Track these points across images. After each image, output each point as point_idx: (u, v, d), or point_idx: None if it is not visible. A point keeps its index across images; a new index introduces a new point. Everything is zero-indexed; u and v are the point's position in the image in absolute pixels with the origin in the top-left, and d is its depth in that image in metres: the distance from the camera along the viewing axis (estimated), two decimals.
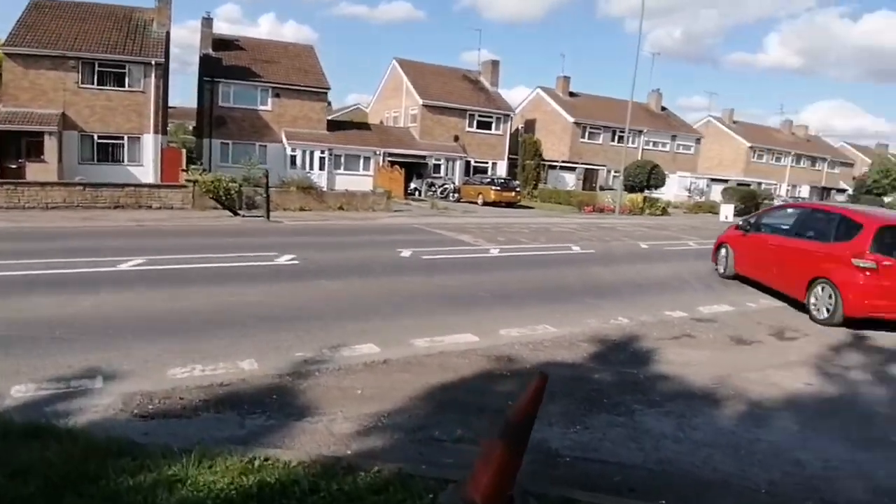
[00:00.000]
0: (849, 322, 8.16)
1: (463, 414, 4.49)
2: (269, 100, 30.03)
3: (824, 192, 54.62)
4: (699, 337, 7.26)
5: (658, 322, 7.75)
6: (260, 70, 30.17)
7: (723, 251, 11.59)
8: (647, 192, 31.54)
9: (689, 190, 40.67)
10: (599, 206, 29.38)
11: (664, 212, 29.29)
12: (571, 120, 40.62)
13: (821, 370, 6.35)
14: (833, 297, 8.37)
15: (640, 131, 41.78)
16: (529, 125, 42.33)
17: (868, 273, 8.17)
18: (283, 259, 10.38)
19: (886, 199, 52.69)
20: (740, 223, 11.59)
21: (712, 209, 33.90)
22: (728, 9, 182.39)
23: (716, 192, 40.41)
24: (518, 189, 30.25)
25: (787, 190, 51.76)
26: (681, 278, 11.26)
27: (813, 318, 8.57)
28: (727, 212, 28.28)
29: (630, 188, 30.29)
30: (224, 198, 18.34)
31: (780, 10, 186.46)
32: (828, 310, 8.43)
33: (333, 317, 6.94)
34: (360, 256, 11.39)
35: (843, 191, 56.30)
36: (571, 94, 44.06)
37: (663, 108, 49.15)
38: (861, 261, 8.24)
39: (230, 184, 18.69)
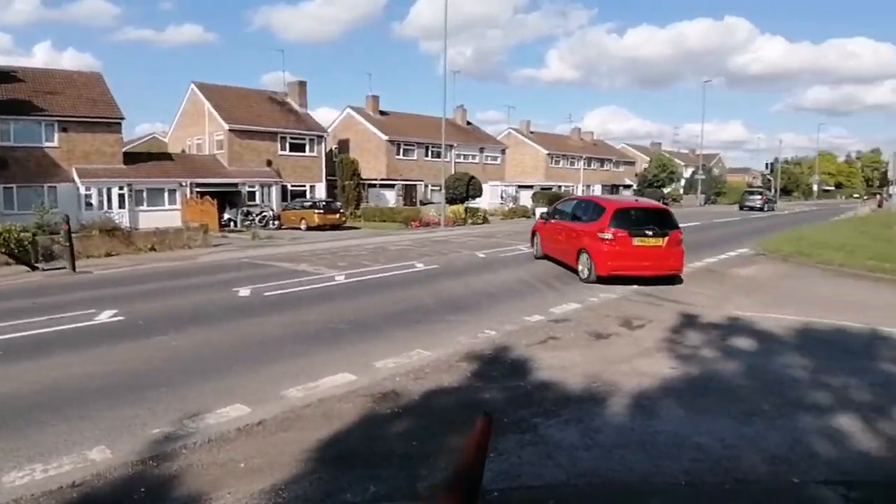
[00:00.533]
0: (601, 279, 11.35)
1: (368, 467, 4.04)
2: (56, 135, 26.37)
3: (613, 188, 60.86)
4: (562, 338, 7.47)
5: (522, 329, 7.85)
6: (43, 103, 26.39)
7: (535, 238, 15.00)
8: (467, 203, 32.78)
9: (503, 198, 43.04)
10: (426, 220, 29.87)
11: (485, 220, 30.65)
12: (385, 138, 41.02)
13: (675, 353, 6.81)
14: (589, 261, 11.59)
15: (451, 145, 43.38)
16: (343, 145, 42.00)
17: (608, 243, 11.34)
18: (105, 316, 8.94)
19: (665, 190, 60.25)
20: (544, 214, 15.03)
21: (525, 213, 36.20)
22: (511, 29, 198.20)
23: (525, 198, 43.21)
24: (342, 210, 29.73)
25: (583, 190, 56.89)
26: (525, 282, 11.68)
27: (581, 279, 11.71)
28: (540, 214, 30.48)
29: (451, 200, 31.26)
30: (17, 250, 15.64)
31: (556, 29, 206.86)
32: (588, 271, 11.63)
33: (183, 378, 6.01)
34: (192, 303, 10.20)
35: (628, 186, 63.21)
36: (382, 113, 44.55)
37: (469, 123, 51.70)
38: (604, 234, 11.44)
39: (22, 234, 16.03)
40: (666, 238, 11.49)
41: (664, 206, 13.90)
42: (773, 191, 69.71)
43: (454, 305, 9.44)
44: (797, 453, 4.33)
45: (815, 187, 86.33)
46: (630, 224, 11.57)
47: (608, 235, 11.32)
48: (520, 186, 46.63)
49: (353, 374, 5.98)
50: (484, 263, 14.31)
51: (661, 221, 11.90)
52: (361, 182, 37.82)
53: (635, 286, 11.02)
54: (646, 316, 8.75)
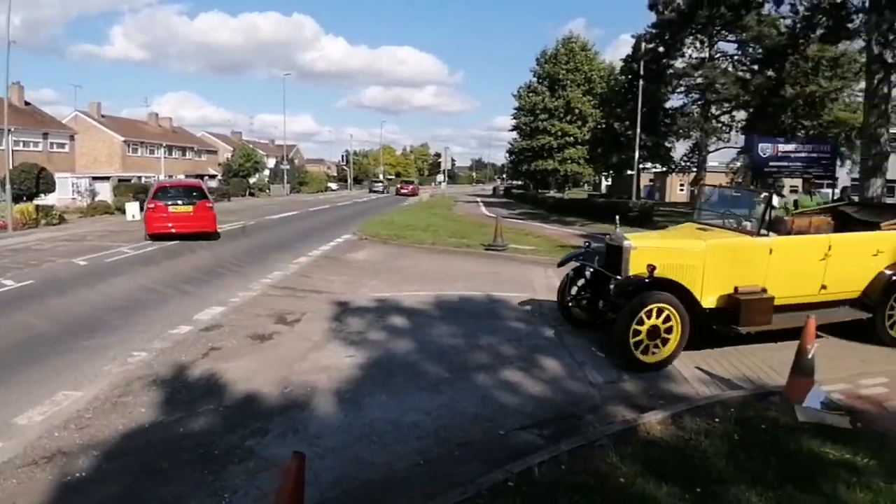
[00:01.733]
0: (152, 237, 16.74)
1: None
2: None
3: (198, 178, 58.34)
4: (225, 346, 6.93)
5: (175, 344, 6.98)
6: None
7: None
8: (37, 200, 27.13)
9: (78, 192, 37.06)
10: None
11: (61, 220, 25.82)
12: None
13: (347, 341, 7.06)
14: (143, 224, 17.09)
15: (8, 130, 35.20)
16: None
17: (151, 211, 16.80)
18: None
19: (252, 180, 60.50)
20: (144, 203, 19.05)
21: (108, 210, 31.89)
22: None
23: (104, 191, 38.09)
24: None
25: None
26: (151, 289, 10.33)
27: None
28: (133, 210, 27.14)
29: (17, 197, 25.32)
30: None
31: (122, 4, 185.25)
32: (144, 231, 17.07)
33: None
34: None
35: (213, 176, 61.42)
36: None
37: (27, 103, 42.74)
38: (149, 205, 16.88)
39: None
40: (194, 206, 16.97)
41: (195, 183, 20.38)
42: (347, 180, 76.94)
43: (81, 328, 7.72)
44: (490, 409, 5.03)
45: (381, 176, 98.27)
46: (167, 197, 17.08)
47: (151, 206, 16.89)
48: (94, 178, 40.87)
49: None
50: (90, 272, 12.12)
51: (191, 195, 17.35)
52: None
53: (268, 281, 10.92)
54: (296, 309, 8.77)
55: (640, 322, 5.91)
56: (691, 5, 19.28)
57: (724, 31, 34.79)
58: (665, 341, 6.06)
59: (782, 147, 17.23)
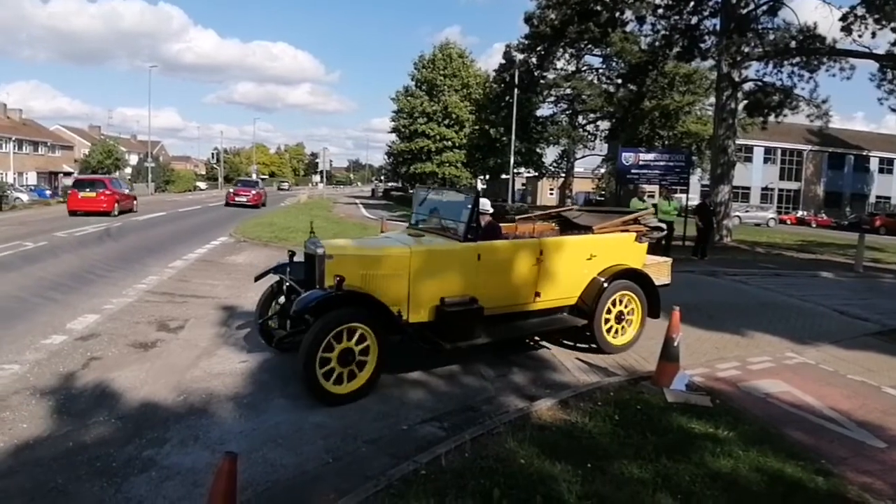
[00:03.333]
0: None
1: None
2: None
3: (52, 176, 53.56)
4: (106, 356, 6.53)
5: (51, 355, 6.45)
6: None
7: None
8: None
9: None
10: None
11: None
12: None
13: (236, 346, 6.93)
14: None
15: None
16: None
17: (70, 195, 25.07)
18: None
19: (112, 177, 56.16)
20: None
21: None
22: None
23: None
24: None
25: (15, 178, 48.20)
26: (16, 297, 9.45)
27: None
28: None
29: None
30: None
31: None
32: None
33: None
34: None
35: (69, 174, 56.50)
36: None
37: None
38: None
39: None
40: (99, 192, 24.58)
41: (100, 178, 28.30)
42: (217, 179, 73.42)
43: None
44: (392, 406, 5.21)
45: (253, 176, 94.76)
46: (79, 187, 25.35)
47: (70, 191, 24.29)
48: None
49: None
50: None
51: (95, 185, 25.46)
52: None
53: (144, 286, 10.36)
54: (178, 315, 8.42)
55: (330, 346, 5.08)
56: (563, 21, 20.51)
57: (591, 46, 37.18)
58: (362, 365, 5.28)
59: (643, 156, 18.78)
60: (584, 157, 51.89)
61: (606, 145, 46.17)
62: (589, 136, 48.72)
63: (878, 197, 58.96)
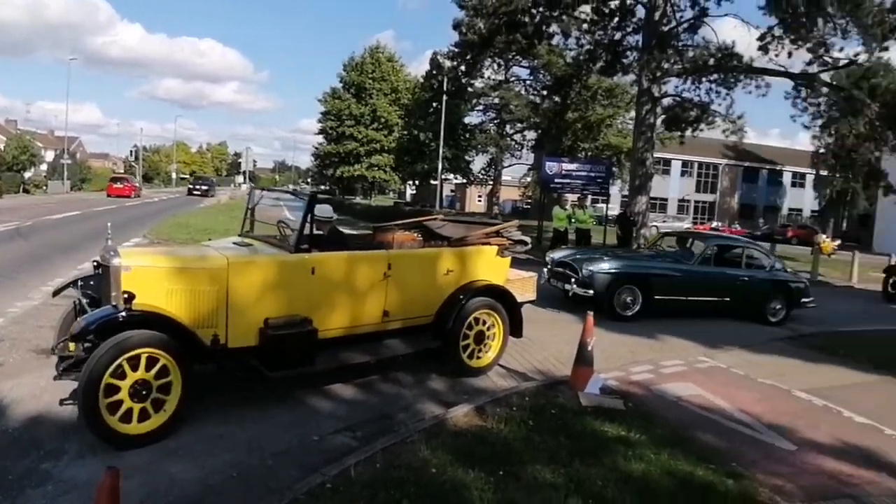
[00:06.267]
0: None
1: None
2: None
3: None
4: (7, 361, 5.88)
5: None
6: None
7: None
8: None
9: None
10: None
11: None
12: None
13: None
14: None
15: None
16: None
17: None
18: None
19: (27, 174, 52.74)
20: None
21: None
22: None
23: None
24: None
25: None
26: None
27: None
28: None
29: None
30: None
31: None
32: None
33: None
34: None
35: None
36: None
37: None
38: None
39: None
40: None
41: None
42: (136, 175, 69.96)
43: None
44: (303, 415, 4.98)
45: (174, 175, 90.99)
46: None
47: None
48: None
49: None
50: None
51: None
52: None
53: (51, 288, 9.61)
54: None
55: (121, 375, 4.13)
56: (491, 30, 20.68)
57: (519, 57, 37.88)
58: (160, 404, 4.35)
59: (566, 166, 19.19)
60: (511, 165, 52.73)
61: (533, 154, 47.11)
62: (516, 146, 49.56)
63: (790, 209, 62.41)
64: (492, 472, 3.94)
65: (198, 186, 54.33)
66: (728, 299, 10.46)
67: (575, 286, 9.75)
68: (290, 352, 4.87)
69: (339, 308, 5.34)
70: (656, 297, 9.81)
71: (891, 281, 15.50)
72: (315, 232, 5.65)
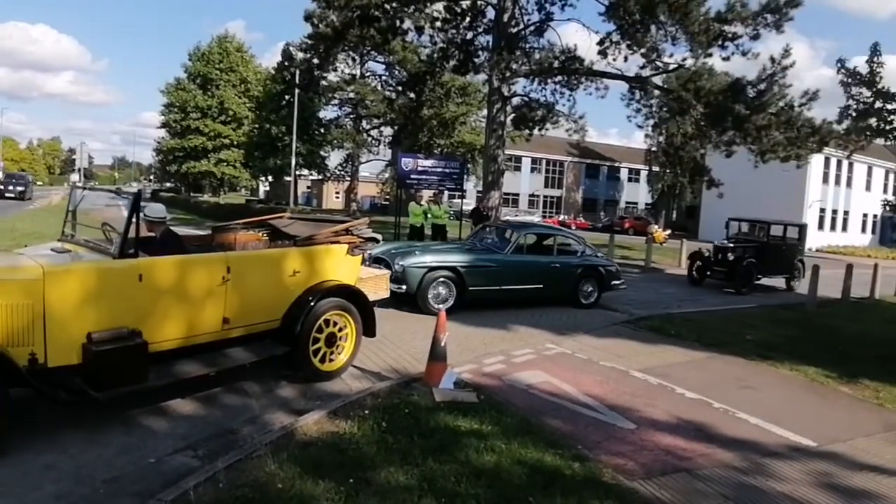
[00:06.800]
0: None
1: None
2: None
3: None
4: None
5: None
6: None
7: None
8: None
9: None
10: None
11: None
12: None
13: None
14: None
15: None
16: None
17: None
18: None
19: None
20: None
21: None
22: None
23: None
24: None
25: None
26: None
27: None
28: None
29: None
30: None
31: None
32: None
33: None
34: None
35: None
36: None
37: None
38: None
39: None
40: None
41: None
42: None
43: None
44: (137, 437, 4.51)
45: (1, 175, 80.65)
46: None
47: None
48: None
49: None
50: None
51: None
52: None
53: None
54: None
55: None
56: (344, 23, 20.25)
57: (374, 52, 37.64)
58: None
59: (422, 162, 19.32)
60: (368, 161, 52.37)
61: (390, 151, 47.15)
62: (373, 141, 49.28)
63: (627, 202, 68.09)
64: (343, 480, 3.79)
65: (10, 187, 39.19)
66: (542, 286, 10.67)
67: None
68: (117, 368, 4.40)
69: (172, 317, 4.90)
70: (471, 287, 9.80)
71: (694, 266, 17.05)
72: (147, 234, 5.28)
